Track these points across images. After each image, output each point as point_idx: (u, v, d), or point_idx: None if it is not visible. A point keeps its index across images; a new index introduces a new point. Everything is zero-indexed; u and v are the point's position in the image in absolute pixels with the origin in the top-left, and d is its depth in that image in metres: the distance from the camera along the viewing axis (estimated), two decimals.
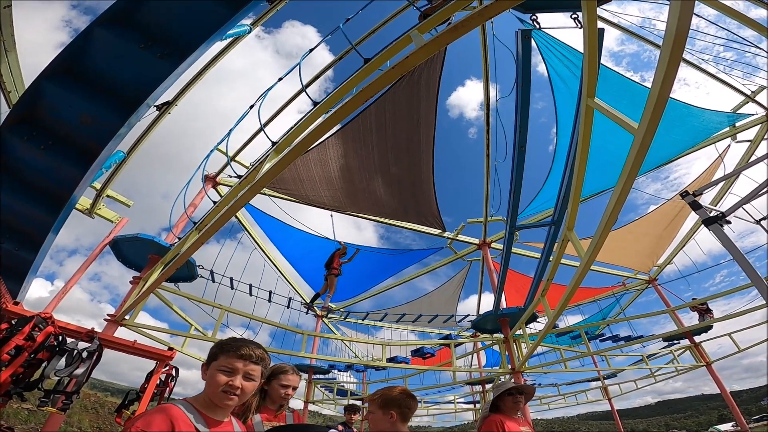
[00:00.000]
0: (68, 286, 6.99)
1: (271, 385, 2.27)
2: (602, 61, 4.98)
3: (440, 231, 10.93)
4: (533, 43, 5.78)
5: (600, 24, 4.02)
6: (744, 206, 3.63)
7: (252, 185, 3.70)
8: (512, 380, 8.27)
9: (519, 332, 8.57)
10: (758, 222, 4.06)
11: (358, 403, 12.88)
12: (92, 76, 3.57)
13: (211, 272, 8.58)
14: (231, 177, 8.38)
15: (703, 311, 10.86)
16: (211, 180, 8.48)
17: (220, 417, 1.46)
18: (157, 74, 3.63)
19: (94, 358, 4.14)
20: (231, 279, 9.08)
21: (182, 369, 5.33)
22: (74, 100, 3.57)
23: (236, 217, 9.89)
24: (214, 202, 6.49)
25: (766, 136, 8.58)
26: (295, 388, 2.35)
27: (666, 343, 11.91)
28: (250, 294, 9.52)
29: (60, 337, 3.89)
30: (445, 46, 3.06)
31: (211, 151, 6.06)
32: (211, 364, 1.48)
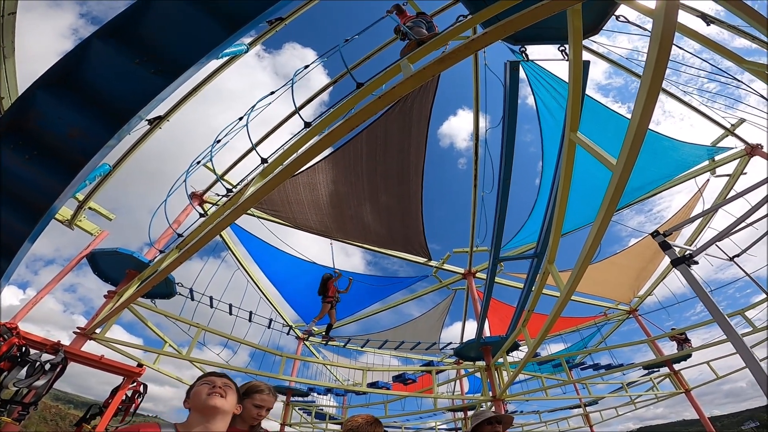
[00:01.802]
0: (39, 297, 6.75)
1: (243, 403, 2.11)
2: (590, 94, 5.07)
3: (426, 260, 10.97)
4: (524, 74, 5.92)
5: (588, 56, 4.20)
6: (717, 243, 3.77)
7: (234, 208, 3.70)
8: (493, 408, 8.24)
9: (501, 360, 8.54)
10: (731, 259, 4.21)
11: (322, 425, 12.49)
12: (84, 88, 3.56)
13: (191, 290, 8.39)
14: (218, 195, 8.34)
15: (682, 341, 11.08)
16: (198, 197, 8.41)
17: None
18: (150, 90, 3.64)
19: (57, 370, 4.04)
20: (211, 298, 8.89)
21: (155, 385, 5.22)
22: (64, 111, 3.54)
23: (220, 236, 9.79)
24: (201, 215, 6.45)
25: (744, 171, 8.51)
26: (269, 410, 2.23)
27: (646, 371, 11.99)
28: (230, 313, 9.33)
29: (23, 348, 3.81)
30: (431, 77, 3.17)
31: (191, 165, 5.98)
32: (192, 391, 1.69)
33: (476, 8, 3.57)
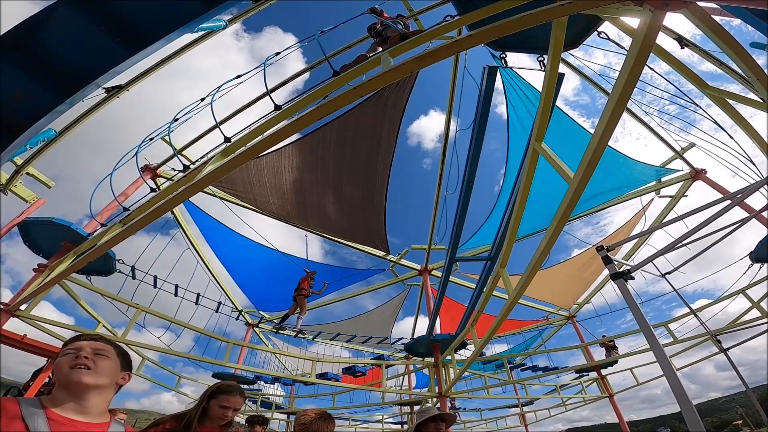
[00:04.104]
0: None
1: (210, 404, 2.12)
2: (563, 107, 5.09)
3: (384, 253, 11.03)
4: (501, 81, 5.92)
5: (563, 69, 4.24)
6: (654, 261, 4.09)
7: (190, 185, 3.48)
8: (438, 404, 8.47)
9: (449, 358, 8.79)
10: (663, 276, 4.59)
11: (268, 415, 12.39)
12: (38, 52, 3.24)
13: (132, 268, 7.86)
14: (174, 170, 7.84)
15: (610, 347, 11.97)
16: (151, 171, 7.87)
17: (79, 415, 1.23)
18: (111, 59, 3.32)
19: None
20: (155, 277, 8.39)
21: None
22: (15, 75, 3.20)
23: (172, 212, 9.24)
24: (153, 190, 6.05)
25: (686, 194, 8.89)
26: (236, 410, 2.20)
27: (577, 375, 12.87)
28: (176, 295, 8.86)
29: None
30: (409, 74, 3.14)
31: (145, 138, 5.57)
32: (55, 362, 1.32)
33: (465, 9, 3.57)
